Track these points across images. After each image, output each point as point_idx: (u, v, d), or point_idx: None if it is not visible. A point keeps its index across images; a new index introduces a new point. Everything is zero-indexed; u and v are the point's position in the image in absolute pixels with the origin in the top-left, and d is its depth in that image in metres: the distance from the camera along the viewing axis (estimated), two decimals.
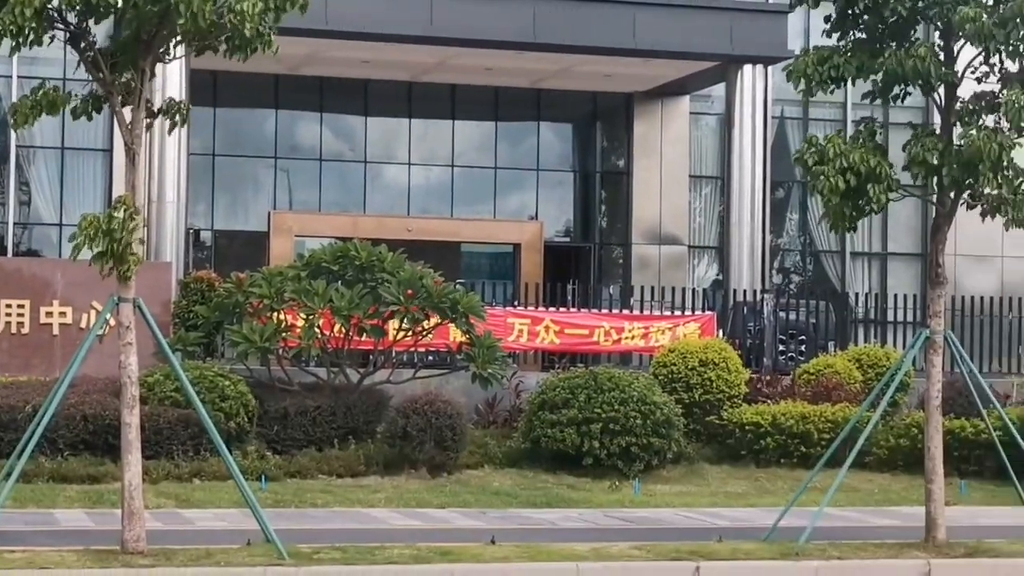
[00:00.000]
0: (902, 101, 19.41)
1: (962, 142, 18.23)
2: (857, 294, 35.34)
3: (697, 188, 38.10)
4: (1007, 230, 18.92)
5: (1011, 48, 18.50)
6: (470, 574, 15.54)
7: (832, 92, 19.59)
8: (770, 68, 34.25)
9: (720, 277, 35.96)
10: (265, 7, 15.14)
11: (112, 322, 16.41)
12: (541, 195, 37.71)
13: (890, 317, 33.10)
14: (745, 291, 31.10)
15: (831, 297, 33.74)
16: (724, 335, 28.69)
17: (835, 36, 19.45)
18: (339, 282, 24.09)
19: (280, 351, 23.97)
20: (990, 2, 18.51)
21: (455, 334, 24.71)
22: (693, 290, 31.31)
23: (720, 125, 36.83)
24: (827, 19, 19.23)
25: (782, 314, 29.86)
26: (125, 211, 15.24)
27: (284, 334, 23.63)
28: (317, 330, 23.50)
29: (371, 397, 23.98)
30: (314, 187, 36.53)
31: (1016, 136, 18.11)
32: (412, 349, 25.34)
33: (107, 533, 16.28)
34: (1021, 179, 18.21)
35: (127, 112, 15.84)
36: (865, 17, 18.99)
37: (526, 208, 37.74)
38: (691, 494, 23.11)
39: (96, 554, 15.27)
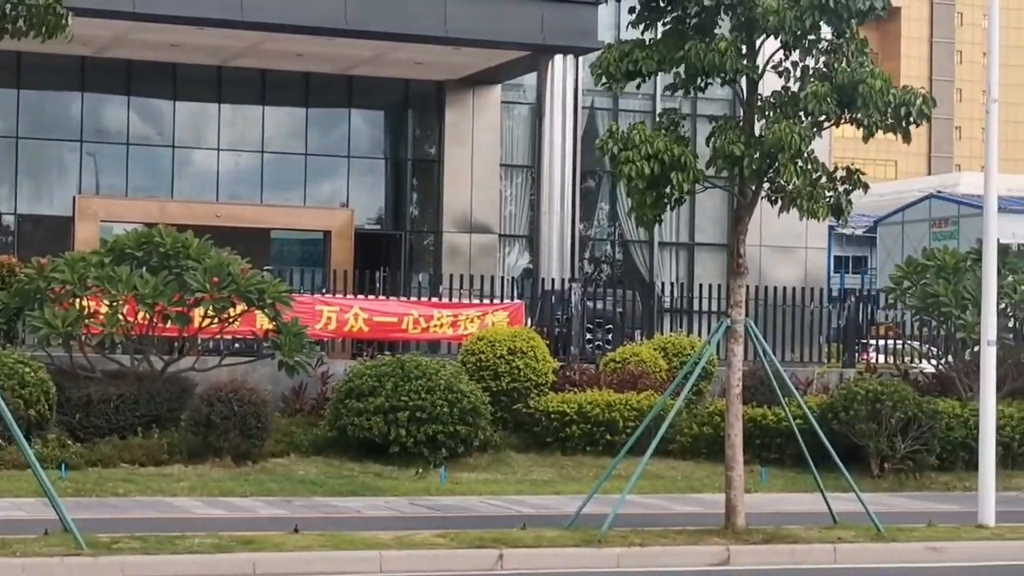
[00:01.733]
0: (703, 92, 19.68)
1: (764, 133, 18.55)
2: (664, 283, 35.74)
3: (509, 177, 38.29)
4: (801, 220, 19.29)
5: (810, 42, 18.87)
6: (272, 563, 15.46)
7: (638, 86, 19.86)
8: (581, 58, 34.47)
9: (531, 266, 36.15)
10: None
11: None
12: (352, 182, 37.62)
13: (696, 306, 33.52)
14: (554, 280, 31.31)
15: (639, 286, 34.11)
16: (533, 324, 28.83)
17: (641, 28, 19.66)
18: (144, 268, 23.77)
19: (83, 338, 23.59)
20: None
21: (262, 321, 24.50)
22: (503, 278, 31.41)
23: (532, 114, 37.03)
24: (632, 10, 19.42)
25: (590, 303, 30.07)
26: None
27: (87, 320, 23.26)
28: (121, 317, 23.17)
29: (175, 385, 23.71)
30: (121, 172, 36.07)
31: (814, 128, 18.50)
32: (218, 336, 25.09)
33: None
34: (819, 172, 18.60)
35: None
36: (669, 9, 19.22)
37: (337, 195, 37.62)
38: (497, 482, 23.20)
39: None
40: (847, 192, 18.99)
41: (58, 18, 15.25)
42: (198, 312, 23.84)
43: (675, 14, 19.17)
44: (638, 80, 19.30)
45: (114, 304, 23.13)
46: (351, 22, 31.84)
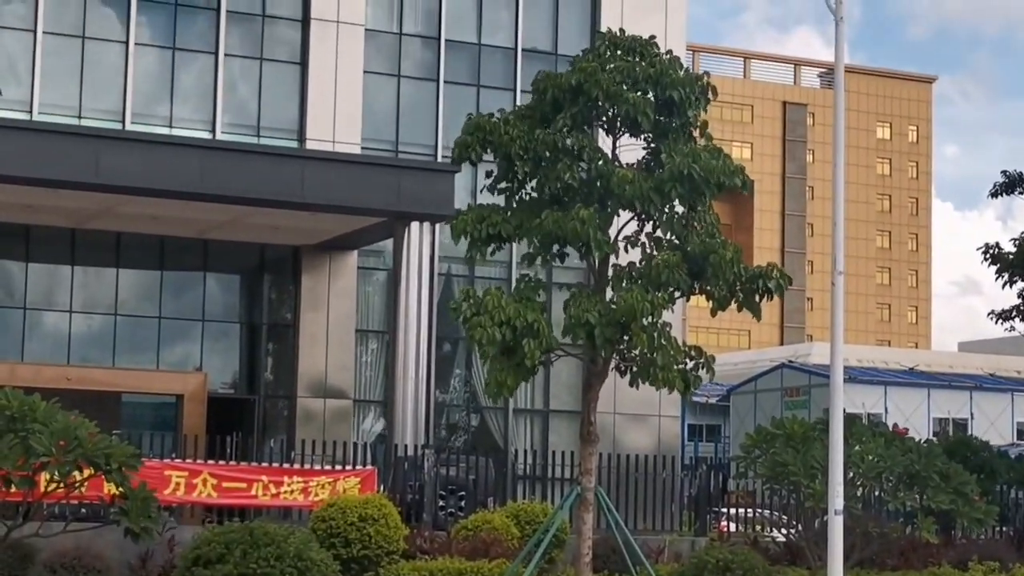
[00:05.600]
0: (561, 261, 19.86)
1: (617, 301, 18.72)
2: (519, 450, 35.72)
3: (364, 342, 38.21)
4: (657, 390, 19.41)
5: (664, 214, 19.16)
6: None
7: (493, 253, 19.98)
8: (437, 225, 34.67)
9: (386, 431, 35.96)
10: None
11: None
12: (206, 346, 37.33)
13: (550, 474, 33.50)
14: (407, 446, 31.15)
15: (493, 453, 34.05)
16: (385, 490, 28.65)
17: (497, 194, 19.85)
18: None
19: None
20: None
21: (109, 486, 24.04)
22: (355, 444, 31.20)
23: (388, 280, 37.08)
24: (488, 174, 19.62)
25: (444, 470, 29.97)
26: None
27: None
28: None
29: (17, 551, 23.16)
30: None
31: (666, 298, 18.72)
32: (64, 501, 24.56)
33: None
34: (672, 347, 18.75)
35: None
36: (528, 180, 19.45)
37: (191, 359, 37.27)
38: None
39: None
40: (696, 368, 19.18)
41: None
42: (43, 476, 23.33)
43: (533, 184, 19.42)
44: (493, 247, 19.45)
45: None
46: (207, 186, 31.75)
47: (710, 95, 20.24)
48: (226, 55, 37.33)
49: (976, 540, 29.90)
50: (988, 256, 38.15)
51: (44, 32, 35.83)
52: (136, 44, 36.52)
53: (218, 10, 37.28)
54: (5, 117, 32.90)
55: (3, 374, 33.17)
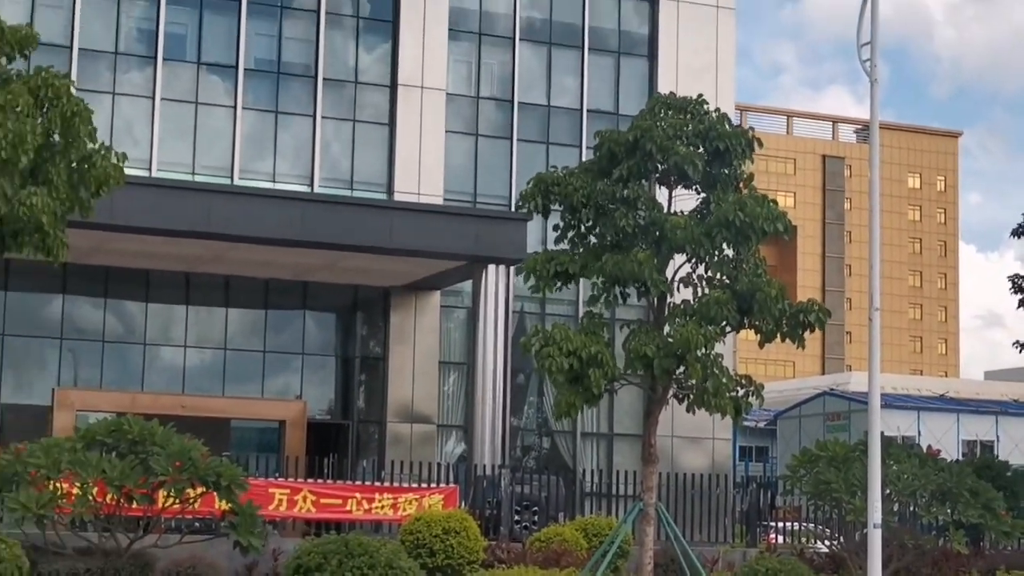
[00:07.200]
0: (623, 301, 19.78)
1: (672, 336, 18.64)
2: (586, 470, 35.59)
3: (447, 373, 38.23)
4: (710, 415, 19.30)
5: (715, 256, 19.07)
6: None
7: (559, 289, 19.94)
8: (511, 268, 34.69)
9: (466, 453, 35.92)
10: (55, 205, 14.92)
11: None
12: (305, 377, 37.47)
13: (615, 491, 33.33)
14: (486, 466, 31.11)
15: (563, 472, 33.95)
16: (466, 505, 28.58)
17: (565, 243, 19.84)
18: (113, 453, 23.43)
19: (55, 517, 23.14)
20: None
21: (219, 502, 24.14)
22: (439, 464, 31.18)
23: (468, 317, 37.11)
24: (556, 227, 19.61)
25: (518, 487, 29.88)
26: None
27: (60, 501, 22.83)
28: (91, 498, 22.75)
29: (139, 560, 23.21)
30: (96, 366, 35.80)
31: (717, 332, 18.62)
32: (179, 516, 24.68)
33: None
34: (722, 374, 18.65)
35: None
36: (591, 228, 19.42)
37: (291, 388, 37.42)
38: None
39: None
40: (746, 395, 19.05)
41: (61, 244, 15.31)
42: (161, 494, 23.48)
43: (595, 231, 19.39)
44: (562, 283, 19.42)
45: (84, 486, 22.74)
46: (306, 234, 31.96)
47: (755, 146, 20.14)
48: (322, 117, 37.60)
49: (1003, 551, 29.52)
50: (1015, 286, 37.81)
51: (162, 99, 36.21)
52: (243, 108, 36.84)
53: (315, 77, 37.57)
54: (127, 175, 33.18)
55: (125, 402, 33.48)
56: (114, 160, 15.83)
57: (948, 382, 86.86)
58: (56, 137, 16.24)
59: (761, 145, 20.57)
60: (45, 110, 15.92)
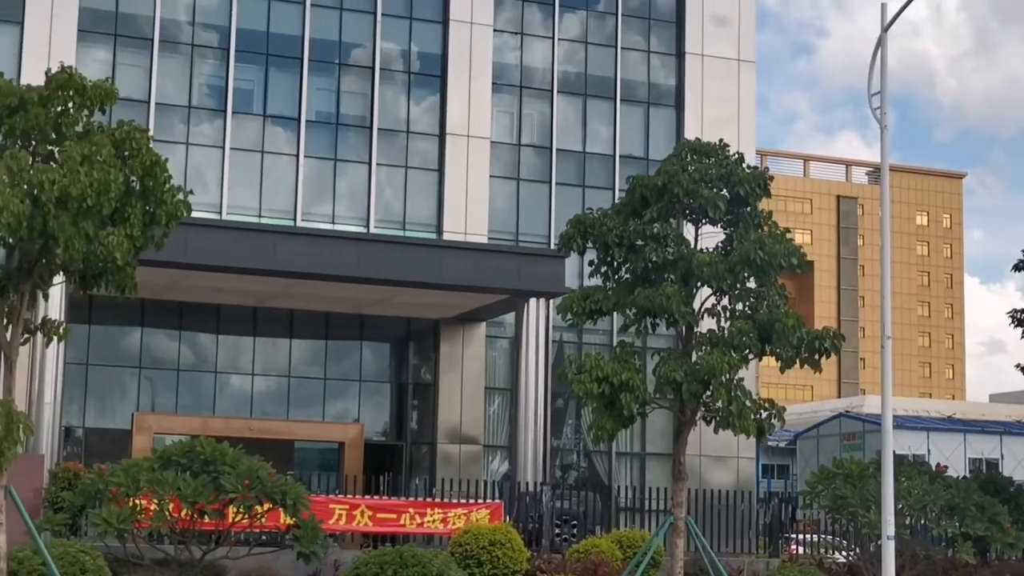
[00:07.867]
0: (653, 331, 19.79)
1: (699, 363, 18.62)
2: (621, 487, 35.49)
3: (492, 398, 38.22)
4: (735, 435, 19.25)
5: (737, 291, 19.06)
6: None
7: (595, 323, 20.00)
8: (551, 301, 34.69)
9: (510, 471, 35.89)
10: (131, 244, 15.06)
11: None
12: (363, 401, 37.53)
13: (647, 506, 33.21)
14: (528, 483, 31.07)
15: (599, 489, 33.86)
16: (511, 520, 28.54)
17: (600, 277, 19.88)
18: (187, 472, 23.54)
19: (135, 531, 23.26)
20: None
21: (284, 517, 24.20)
22: (485, 482, 31.18)
23: (511, 346, 37.12)
24: (591, 263, 19.66)
25: (558, 503, 29.83)
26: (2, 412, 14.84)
27: (139, 517, 22.94)
28: (167, 513, 22.85)
29: (211, 571, 23.29)
30: (172, 393, 35.96)
31: (740, 359, 18.59)
32: (248, 530, 24.75)
33: None
34: (745, 399, 18.61)
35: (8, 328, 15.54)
36: (623, 263, 19.45)
37: (350, 412, 37.50)
38: None
39: None
40: (769, 417, 19.01)
41: (132, 282, 15.45)
42: (231, 509, 23.56)
43: (627, 266, 19.42)
44: (596, 317, 19.46)
45: (161, 503, 22.83)
46: (363, 271, 32.08)
47: (769, 187, 20.15)
48: (377, 164, 37.75)
49: (1008, 561, 29.25)
50: (1015, 320, 37.59)
51: (231, 148, 36.46)
52: (304, 156, 37.05)
53: (370, 128, 37.76)
54: (199, 217, 33.47)
55: (198, 426, 33.63)
56: (180, 197, 16.01)
57: (955, 404, 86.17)
58: (136, 184, 16.38)
59: (772, 180, 20.56)
60: (127, 159, 16.07)
